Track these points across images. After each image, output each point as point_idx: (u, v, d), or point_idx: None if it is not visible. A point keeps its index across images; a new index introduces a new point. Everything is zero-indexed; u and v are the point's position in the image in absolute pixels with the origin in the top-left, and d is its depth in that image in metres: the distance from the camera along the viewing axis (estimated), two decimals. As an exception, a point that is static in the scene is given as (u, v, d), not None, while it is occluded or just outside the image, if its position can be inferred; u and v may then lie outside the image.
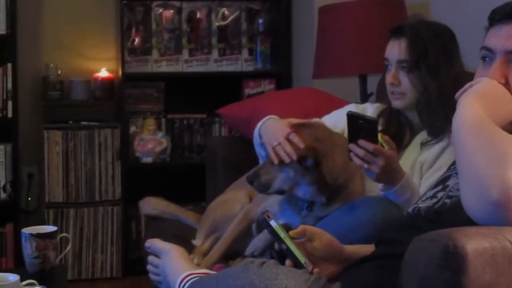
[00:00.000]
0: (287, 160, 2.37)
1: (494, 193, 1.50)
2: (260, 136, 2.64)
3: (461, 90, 1.77)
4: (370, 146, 2.18)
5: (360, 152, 2.20)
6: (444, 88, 2.49)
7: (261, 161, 2.67)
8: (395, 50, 2.58)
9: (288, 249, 1.78)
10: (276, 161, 2.40)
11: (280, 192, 2.46)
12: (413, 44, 2.54)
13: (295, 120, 2.53)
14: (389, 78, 2.59)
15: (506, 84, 1.76)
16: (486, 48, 1.84)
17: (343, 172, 2.40)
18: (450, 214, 1.78)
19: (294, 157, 2.36)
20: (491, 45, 1.82)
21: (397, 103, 2.61)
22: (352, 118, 2.21)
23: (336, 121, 2.73)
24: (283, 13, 4.71)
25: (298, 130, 2.43)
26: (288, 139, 2.40)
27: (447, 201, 1.87)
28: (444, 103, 2.48)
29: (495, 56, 1.81)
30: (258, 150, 2.71)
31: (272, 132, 2.53)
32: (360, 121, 2.19)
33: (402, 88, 2.57)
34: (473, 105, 1.68)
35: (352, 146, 2.21)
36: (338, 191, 2.43)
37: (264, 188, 2.45)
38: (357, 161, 2.23)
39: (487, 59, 1.84)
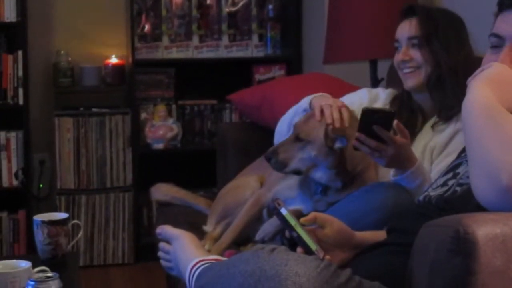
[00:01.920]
0: (329, 120, 2.36)
1: (505, 178, 1.49)
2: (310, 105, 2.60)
3: (472, 75, 1.76)
4: (384, 134, 2.17)
5: (373, 143, 2.19)
6: (456, 64, 2.49)
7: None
8: (406, 28, 2.58)
9: (299, 236, 1.78)
10: (318, 118, 2.39)
11: (296, 172, 2.45)
12: (424, 20, 2.55)
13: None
14: (399, 56, 2.59)
15: None
16: (495, 35, 1.83)
17: (362, 159, 2.40)
18: (460, 202, 1.78)
19: (338, 124, 2.34)
20: (501, 31, 1.81)
21: (409, 82, 2.59)
22: (368, 112, 2.20)
23: (349, 104, 2.73)
24: (294, -2, 4.70)
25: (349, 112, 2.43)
26: (340, 110, 2.40)
27: (458, 189, 1.86)
28: (455, 81, 2.47)
29: (504, 42, 1.80)
30: (293, 119, 2.66)
31: (327, 100, 2.51)
32: (376, 114, 2.18)
33: (414, 63, 2.56)
34: (484, 89, 1.67)
35: (359, 135, 2.20)
36: (354, 178, 2.43)
37: (282, 167, 2.43)
38: (364, 149, 2.23)
39: (496, 45, 1.83)
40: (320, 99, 2.53)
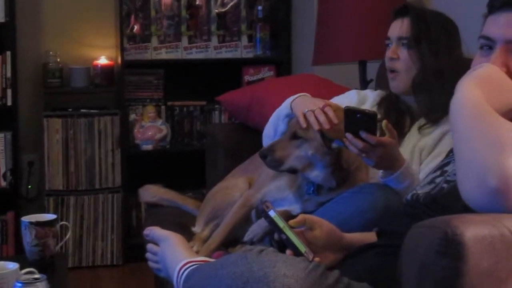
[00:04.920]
0: (316, 127, 2.35)
1: (493, 180, 1.49)
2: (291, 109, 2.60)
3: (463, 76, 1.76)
4: (371, 138, 2.17)
5: (360, 144, 2.18)
6: (443, 67, 2.49)
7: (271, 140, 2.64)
8: (397, 27, 2.58)
9: (288, 239, 1.78)
10: (304, 125, 2.37)
11: (292, 171, 2.43)
12: (416, 21, 2.55)
13: (327, 101, 2.52)
14: (388, 53, 2.60)
15: (506, 73, 1.75)
16: (485, 37, 1.82)
17: (356, 158, 2.39)
18: (448, 199, 1.78)
19: (327, 126, 2.33)
20: (491, 33, 1.81)
21: (394, 84, 2.60)
22: (350, 112, 2.19)
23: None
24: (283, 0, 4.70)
25: (333, 107, 2.42)
26: (323, 111, 2.39)
27: (445, 186, 1.87)
28: (440, 85, 2.47)
29: (495, 45, 1.79)
30: (277, 124, 2.66)
31: (307, 102, 2.50)
32: (358, 115, 2.18)
33: (400, 63, 2.56)
34: (473, 88, 1.66)
35: (350, 136, 2.19)
36: (347, 177, 2.43)
37: (277, 165, 2.41)
38: (353, 150, 2.22)
39: (486, 47, 1.83)
40: (300, 105, 2.51)
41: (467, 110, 1.63)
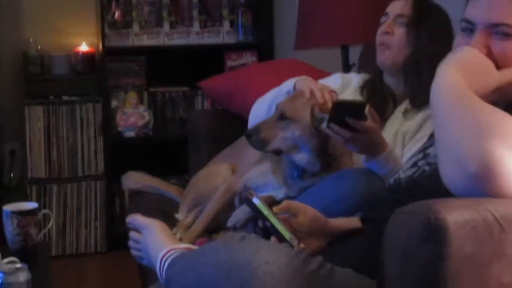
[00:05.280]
0: (322, 100, 2.34)
1: (473, 165, 1.49)
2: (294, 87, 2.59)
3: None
4: (358, 124, 2.16)
5: (346, 133, 2.18)
6: (437, 54, 2.48)
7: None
8: (399, 5, 2.59)
9: (272, 226, 1.77)
10: (308, 97, 2.37)
11: (277, 152, 2.43)
12: (419, 3, 2.55)
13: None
14: (382, 27, 2.59)
15: (487, 56, 1.75)
16: (467, 20, 1.82)
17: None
18: (430, 182, 1.78)
19: (330, 105, 2.31)
20: (472, 17, 1.80)
21: (383, 57, 2.59)
22: (339, 104, 2.19)
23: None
24: (264, -16, 4.68)
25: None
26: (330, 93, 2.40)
27: (427, 168, 1.87)
28: (432, 71, 2.47)
29: (475, 28, 1.79)
30: (274, 101, 2.63)
31: (313, 82, 2.50)
32: (347, 106, 2.17)
33: (394, 39, 2.56)
34: (454, 73, 1.66)
35: (333, 126, 2.18)
36: (331, 162, 2.42)
37: (262, 145, 2.41)
38: (338, 138, 2.22)
39: (468, 31, 1.82)
40: (305, 82, 2.51)
41: (447, 95, 1.63)
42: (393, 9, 2.61)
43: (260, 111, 2.73)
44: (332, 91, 2.43)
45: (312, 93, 2.39)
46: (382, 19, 2.64)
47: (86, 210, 4.33)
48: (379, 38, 2.62)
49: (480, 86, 1.67)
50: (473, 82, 1.66)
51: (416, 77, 2.53)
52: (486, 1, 1.77)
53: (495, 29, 1.75)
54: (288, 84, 2.62)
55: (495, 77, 1.72)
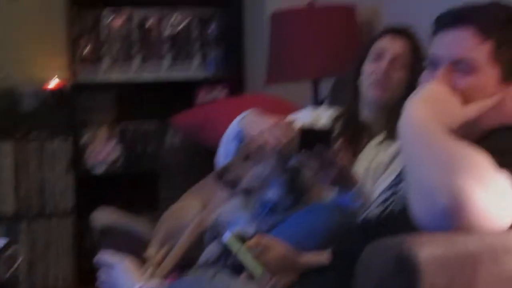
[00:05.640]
0: (273, 143, 2.33)
1: (443, 200, 1.48)
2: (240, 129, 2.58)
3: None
4: (327, 154, 2.16)
5: (315, 163, 2.18)
6: None
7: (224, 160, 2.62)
8: (397, 45, 2.61)
9: (243, 261, 1.77)
10: (258, 144, 2.36)
11: (247, 191, 2.41)
12: (415, 47, 2.60)
13: (276, 117, 2.51)
14: (382, 66, 2.59)
15: (453, 91, 1.76)
16: (432, 55, 1.84)
17: (312, 177, 2.38)
18: (400, 217, 1.77)
19: (285, 140, 2.32)
20: (435, 52, 1.83)
21: (379, 94, 2.59)
22: (305, 131, 2.19)
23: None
24: (235, 19, 4.69)
25: (285, 123, 2.41)
26: (277, 127, 2.37)
27: (397, 203, 1.87)
28: None
29: (439, 63, 1.81)
30: (228, 147, 2.65)
31: (256, 121, 2.49)
32: (313, 134, 2.17)
33: (393, 82, 2.59)
34: (420, 108, 1.67)
35: (304, 155, 2.18)
36: (302, 196, 2.41)
37: (233, 184, 2.38)
38: (308, 169, 2.21)
39: (432, 66, 1.84)
40: (250, 124, 2.51)
41: (416, 129, 1.63)
42: (391, 47, 2.60)
43: (221, 152, 2.73)
44: (278, 122, 2.41)
45: (263, 136, 2.38)
46: (376, 50, 2.63)
47: (56, 246, 4.29)
48: (377, 76, 2.61)
49: (446, 122, 1.67)
50: (439, 117, 1.66)
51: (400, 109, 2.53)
52: (448, 37, 1.79)
53: (458, 65, 1.77)
54: (234, 125, 2.62)
55: (460, 113, 1.73)
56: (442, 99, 1.71)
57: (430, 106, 1.67)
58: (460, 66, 1.77)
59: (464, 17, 1.79)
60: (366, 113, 2.64)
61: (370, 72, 2.61)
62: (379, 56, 2.62)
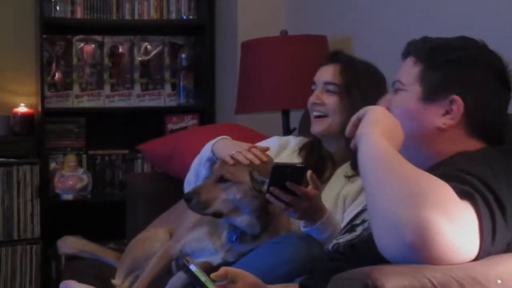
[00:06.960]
0: (246, 162, 2.33)
1: (408, 234, 1.46)
2: (213, 153, 2.57)
3: (350, 123, 1.78)
4: (298, 189, 2.15)
5: (286, 197, 2.16)
6: None
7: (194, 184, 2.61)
8: (326, 73, 2.61)
9: (209, 293, 1.74)
10: (232, 162, 2.36)
11: (216, 215, 2.39)
12: (347, 68, 2.57)
13: (249, 143, 2.51)
14: (312, 98, 2.60)
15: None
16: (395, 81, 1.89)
17: None
18: (367, 247, 1.76)
19: (257, 162, 2.31)
20: (397, 77, 1.87)
21: (315, 127, 2.60)
22: (277, 168, 2.18)
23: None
24: (206, 48, 4.68)
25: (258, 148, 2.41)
26: (250, 151, 2.38)
27: (364, 233, 1.86)
28: None
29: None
30: (199, 169, 2.64)
31: (229, 145, 2.49)
32: (287, 170, 2.17)
33: (324, 108, 2.57)
34: (377, 136, 1.67)
35: (273, 190, 2.16)
36: (270, 223, 2.40)
37: (203, 208, 2.36)
38: (278, 204, 2.20)
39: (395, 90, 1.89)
40: (223, 148, 2.51)
41: (376, 161, 1.62)
42: (321, 76, 2.62)
43: (190, 180, 2.72)
44: (252, 147, 2.41)
45: (234, 159, 2.37)
46: (312, 87, 2.65)
47: (21, 274, 4.24)
48: (311, 109, 2.63)
49: (396, 145, 1.68)
50: (394, 143, 1.67)
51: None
52: (402, 64, 1.87)
53: (393, 86, 1.86)
54: (207, 150, 2.61)
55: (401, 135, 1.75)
56: (390, 124, 1.73)
57: (385, 134, 1.68)
58: (394, 86, 1.85)
59: (410, 46, 1.87)
60: (326, 145, 2.65)
61: (309, 105, 2.63)
62: (313, 90, 2.64)
